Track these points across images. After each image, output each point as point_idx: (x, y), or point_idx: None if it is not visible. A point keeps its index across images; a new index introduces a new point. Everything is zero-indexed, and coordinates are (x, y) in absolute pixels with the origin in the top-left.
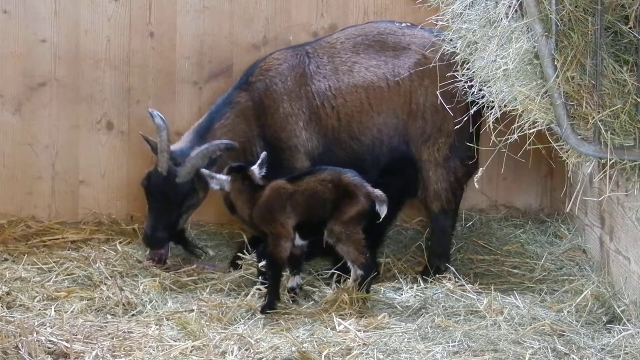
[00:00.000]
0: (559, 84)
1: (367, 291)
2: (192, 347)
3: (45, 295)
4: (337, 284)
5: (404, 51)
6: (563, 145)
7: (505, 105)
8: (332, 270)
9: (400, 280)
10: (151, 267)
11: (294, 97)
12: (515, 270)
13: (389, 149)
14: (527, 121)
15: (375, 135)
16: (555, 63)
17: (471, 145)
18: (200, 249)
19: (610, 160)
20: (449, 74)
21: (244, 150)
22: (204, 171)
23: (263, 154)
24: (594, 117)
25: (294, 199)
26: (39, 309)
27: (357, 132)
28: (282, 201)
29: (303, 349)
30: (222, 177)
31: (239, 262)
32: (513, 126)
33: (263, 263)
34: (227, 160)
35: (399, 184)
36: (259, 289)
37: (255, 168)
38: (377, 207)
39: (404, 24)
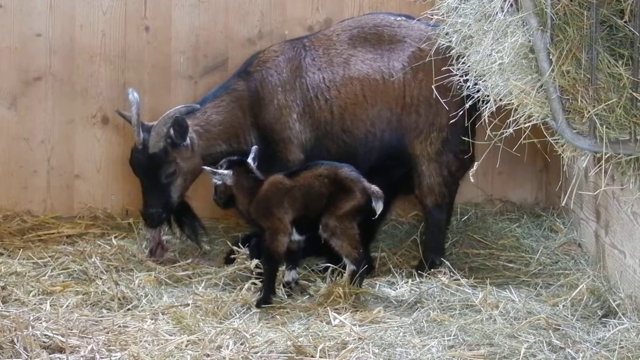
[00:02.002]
0: (554, 78)
1: (360, 285)
2: (187, 341)
3: (40, 290)
4: (331, 278)
5: (399, 44)
6: (558, 139)
7: (500, 99)
8: (327, 264)
9: (396, 274)
10: (147, 261)
11: (288, 89)
12: (511, 265)
13: (382, 142)
14: (522, 115)
15: (369, 128)
16: (551, 57)
17: (464, 139)
18: (197, 236)
19: (605, 154)
20: (444, 67)
21: (237, 137)
22: (206, 168)
23: (254, 148)
24: (589, 111)
25: (291, 194)
26: (35, 304)
27: (349, 125)
28: (280, 196)
29: (298, 343)
30: (224, 171)
31: (233, 256)
32: (508, 120)
33: (255, 261)
34: (222, 148)
35: (387, 182)
36: (254, 284)
37: (250, 161)
38: (373, 203)
39: (400, 17)
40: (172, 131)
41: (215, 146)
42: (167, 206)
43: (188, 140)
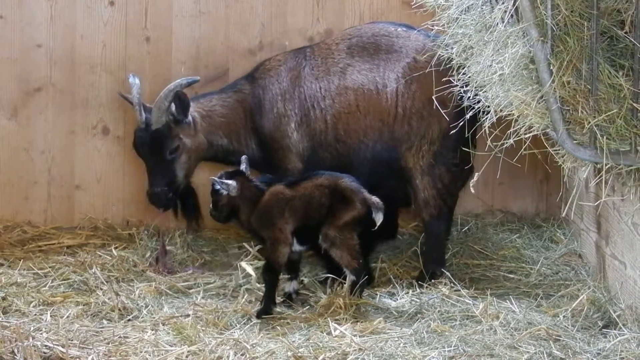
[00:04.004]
0: (554, 88)
1: (360, 296)
2: (188, 352)
3: (41, 300)
4: (331, 289)
5: (395, 54)
6: (559, 150)
7: (501, 110)
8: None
9: (396, 285)
10: (148, 271)
11: (288, 98)
12: (511, 275)
13: (373, 153)
14: (523, 126)
15: (361, 138)
16: (551, 68)
17: (456, 151)
18: (197, 221)
19: (606, 165)
20: (442, 79)
21: (239, 136)
22: (214, 179)
23: (243, 158)
24: (589, 122)
25: (292, 204)
26: (35, 314)
27: (342, 135)
28: (281, 206)
29: (299, 354)
30: (229, 181)
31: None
32: (509, 131)
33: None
34: (224, 142)
35: (389, 196)
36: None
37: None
38: (373, 214)
39: (400, 27)
40: (173, 106)
41: (216, 136)
42: (172, 185)
43: (190, 118)
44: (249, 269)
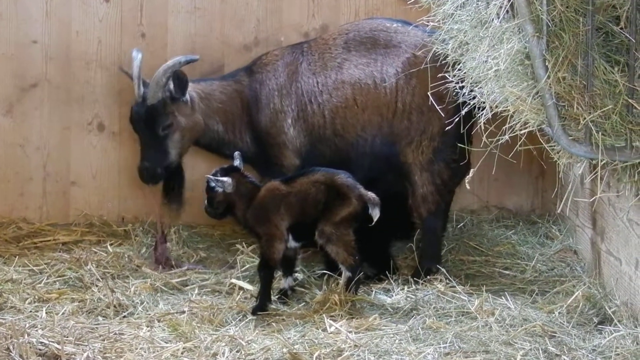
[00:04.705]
0: (550, 84)
1: (356, 293)
2: (183, 348)
3: (36, 297)
4: (327, 286)
5: (394, 49)
6: (554, 146)
7: (496, 106)
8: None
9: (391, 281)
10: (146, 268)
11: (284, 94)
12: (507, 272)
13: (372, 148)
14: (518, 122)
15: (359, 133)
16: (547, 64)
17: (455, 147)
18: (178, 204)
19: (601, 161)
20: (438, 74)
21: (234, 126)
22: (209, 177)
23: (236, 154)
24: (585, 118)
25: (288, 200)
26: (30, 311)
27: (340, 129)
28: (277, 202)
29: (294, 351)
30: (225, 179)
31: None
32: (504, 127)
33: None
34: (219, 128)
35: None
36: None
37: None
38: (370, 209)
39: (397, 23)
40: (171, 83)
41: (213, 121)
42: (163, 162)
43: (188, 97)
44: (241, 284)
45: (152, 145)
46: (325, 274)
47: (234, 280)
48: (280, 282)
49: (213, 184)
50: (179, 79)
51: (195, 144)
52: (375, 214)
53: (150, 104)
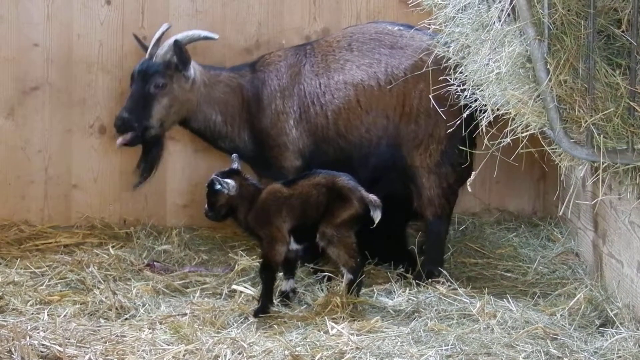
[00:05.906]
0: (551, 87)
1: (358, 295)
2: (185, 351)
3: (38, 299)
4: (329, 288)
5: (400, 52)
6: (556, 148)
7: (498, 109)
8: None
9: (394, 284)
10: (144, 270)
11: (287, 96)
12: (508, 274)
13: (378, 150)
14: (519, 125)
15: (363, 134)
16: (548, 66)
17: (462, 150)
18: (147, 175)
19: (603, 163)
20: (443, 78)
21: (233, 120)
22: (215, 177)
23: (234, 156)
24: (586, 121)
25: (289, 202)
26: (32, 313)
27: (343, 130)
28: (278, 205)
29: (296, 353)
30: (228, 180)
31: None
32: (506, 130)
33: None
34: (218, 119)
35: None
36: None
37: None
38: (371, 212)
39: (401, 27)
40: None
41: (211, 109)
42: (142, 121)
43: (191, 75)
44: (242, 288)
45: (138, 100)
46: (325, 276)
47: (235, 286)
48: (281, 284)
49: (218, 186)
50: (179, 50)
51: (191, 130)
52: (377, 216)
53: (154, 61)
